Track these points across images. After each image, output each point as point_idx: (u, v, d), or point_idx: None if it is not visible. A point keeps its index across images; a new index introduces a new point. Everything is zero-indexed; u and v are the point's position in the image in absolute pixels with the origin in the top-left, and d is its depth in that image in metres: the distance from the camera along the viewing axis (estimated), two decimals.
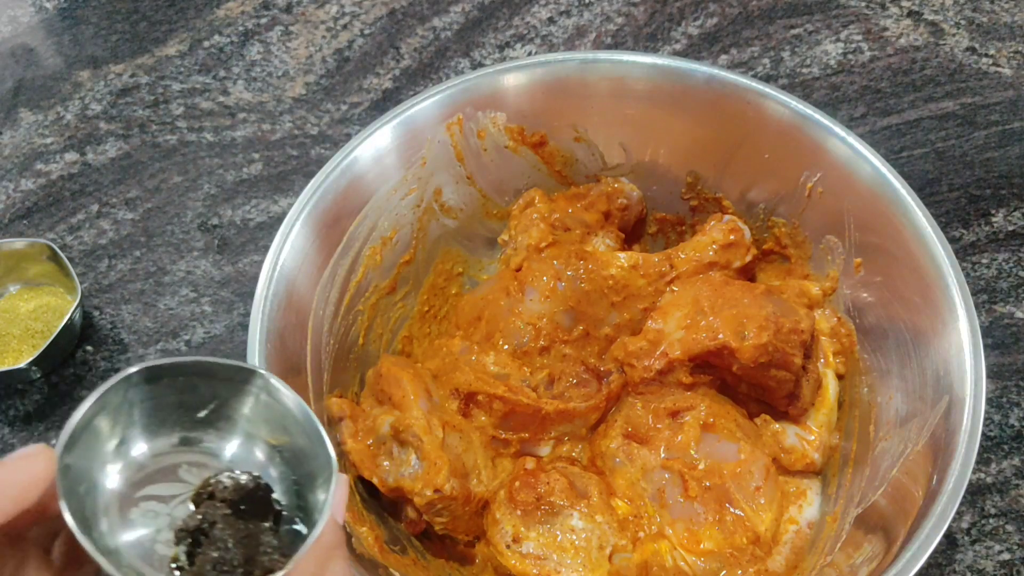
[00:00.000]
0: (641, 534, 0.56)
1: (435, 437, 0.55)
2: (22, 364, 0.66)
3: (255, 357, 0.52)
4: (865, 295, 0.61)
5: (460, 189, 0.67)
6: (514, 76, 0.64)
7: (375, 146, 0.61)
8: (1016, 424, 0.68)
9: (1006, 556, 0.63)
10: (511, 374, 0.60)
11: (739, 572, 0.54)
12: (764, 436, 0.60)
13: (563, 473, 0.58)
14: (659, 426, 0.59)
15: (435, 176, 0.64)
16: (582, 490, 0.57)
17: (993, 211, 0.78)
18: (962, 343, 0.52)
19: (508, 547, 0.55)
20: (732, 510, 0.56)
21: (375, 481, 0.55)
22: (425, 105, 0.62)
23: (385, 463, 0.55)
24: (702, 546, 0.55)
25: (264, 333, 0.53)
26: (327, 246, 0.59)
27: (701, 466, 0.57)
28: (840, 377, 0.62)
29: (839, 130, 0.60)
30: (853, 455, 0.59)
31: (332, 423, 0.57)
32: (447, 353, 0.62)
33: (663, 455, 0.58)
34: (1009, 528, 0.64)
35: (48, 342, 0.67)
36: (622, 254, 0.64)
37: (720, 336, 0.57)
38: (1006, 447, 0.67)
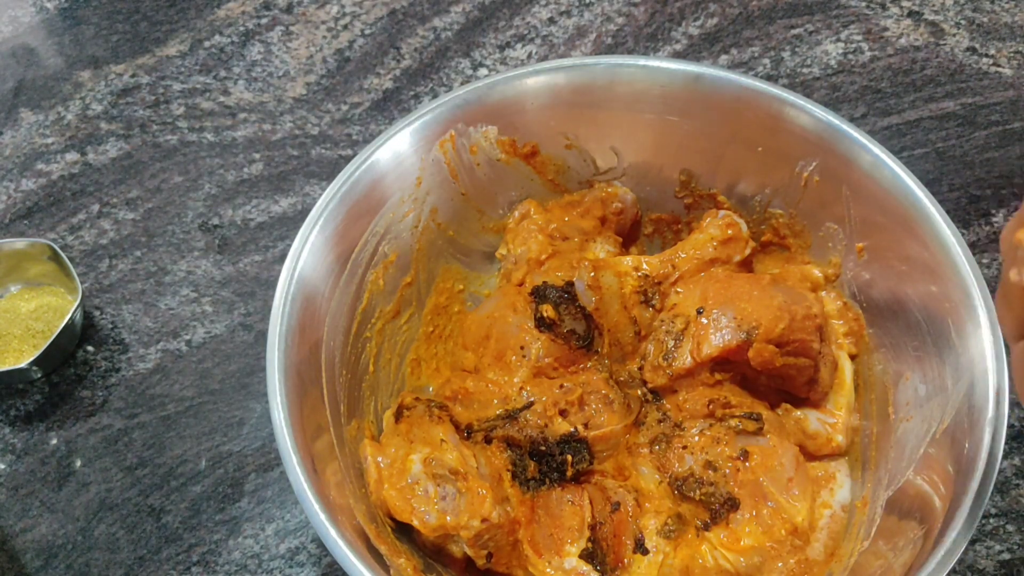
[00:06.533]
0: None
1: (471, 467, 0.54)
2: (23, 364, 0.66)
3: (275, 396, 0.51)
4: (868, 276, 0.61)
5: (455, 205, 0.66)
6: (503, 88, 0.63)
7: (372, 173, 0.60)
8: (1016, 424, 0.68)
9: (1006, 556, 0.63)
10: (536, 400, 0.59)
11: (779, 564, 0.54)
12: (787, 425, 0.60)
13: (597, 486, 0.58)
14: (684, 430, 0.59)
15: (431, 195, 0.64)
16: (616, 501, 0.57)
17: (993, 211, 0.78)
18: (978, 318, 0.52)
19: (549, 563, 0.54)
20: (768, 503, 0.55)
21: (415, 523, 0.53)
22: (417, 125, 0.62)
23: (422, 506, 0.53)
24: (742, 543, 0.54)
25: (283, 372, 0.52)
26: (333, 275, 0.58)
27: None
28: (852, 357, 0.62)
29: (832, 118, 0.59)
30: (874, 436, 0.59)
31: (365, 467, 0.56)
32: (461, 388, 0.61)
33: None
34: (1009, 528, 0.64)
35: (49, 342, 0.67)
36: (627, 258, 0.64)
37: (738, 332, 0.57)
38: (1006, 447, 0.66)
